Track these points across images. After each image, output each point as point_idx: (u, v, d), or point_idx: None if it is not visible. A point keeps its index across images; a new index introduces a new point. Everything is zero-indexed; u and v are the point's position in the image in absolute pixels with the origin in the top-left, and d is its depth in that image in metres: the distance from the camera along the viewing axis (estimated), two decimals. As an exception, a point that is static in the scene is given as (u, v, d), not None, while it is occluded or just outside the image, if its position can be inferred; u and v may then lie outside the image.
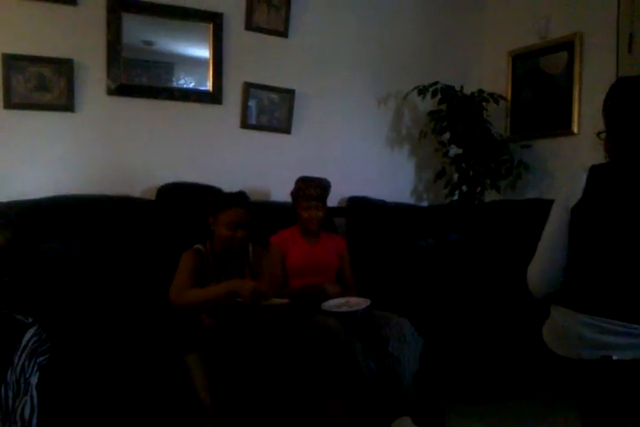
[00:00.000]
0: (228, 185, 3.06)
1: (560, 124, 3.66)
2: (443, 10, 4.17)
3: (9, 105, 2.91)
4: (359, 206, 3.54)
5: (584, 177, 1.68)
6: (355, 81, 3.86)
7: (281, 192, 3.17)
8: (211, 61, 3.37)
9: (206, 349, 2.19)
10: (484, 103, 3.83)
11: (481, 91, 3.85)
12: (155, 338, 2.20)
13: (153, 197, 3.06)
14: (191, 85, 3.36)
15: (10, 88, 2.90)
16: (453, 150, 3.94)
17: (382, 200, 3.64)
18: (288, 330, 2.35)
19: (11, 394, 1.82)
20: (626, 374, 1.52)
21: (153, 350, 2.18)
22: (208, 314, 2.48)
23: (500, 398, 2.88)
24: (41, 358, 1.96)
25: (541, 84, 3.82)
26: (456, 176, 3.90)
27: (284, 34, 3.58)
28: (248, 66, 3.49)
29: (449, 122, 3.80)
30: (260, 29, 3.52)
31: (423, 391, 2.46)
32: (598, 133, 1.74)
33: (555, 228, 1.75)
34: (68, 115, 3.04)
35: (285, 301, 2.40)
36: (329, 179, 3.00)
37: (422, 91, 3.78)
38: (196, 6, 3.31)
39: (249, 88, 3.48)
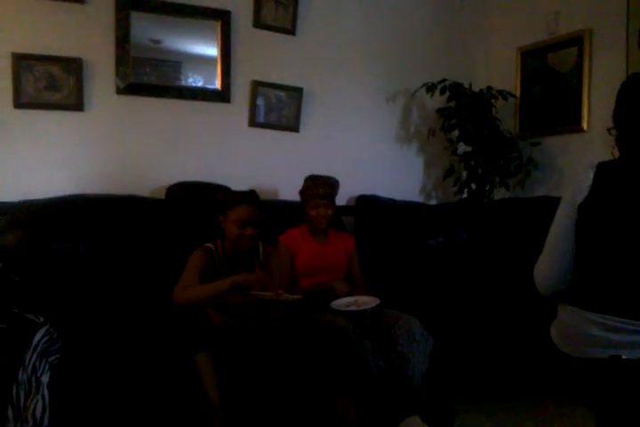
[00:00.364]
0: (237, 184, 3.07)
1: (569, 121, 3.64)
2: (451, 6, 4.15)
3: (19, 104, 2.93)
4: (368, 205, 3.54)
5: (591, 174, 1.67)
6: (363, 79, 3.86)
7: (289, 191, 3.16)
8: (219, 59, 3.38)
9: (216, 347, 2.19)
10: (492, 100, 3.82)
11: (490, 88, 3.83)
12: (165, 337, 2.21)
13: (162, 197, 3.07)
14: (199, 84, 3.36)
15: (19, 87, 2.92)
16: (462, 148, 3.92)
17: (391, 199, 3.63)
18: (297, 329, 2.35)
19: (22, 393, 1.83)
20: (636, 372, 1.51)
21: (163, 349, 2.19)
22: (217, 313, 2.49)
23: (510, 397, 2.88)
24: (52, 358, 1.97)
25: (551, 81, 3.80)
26: (465, 174, 3.90)
27: (291, 31, 3.58)
28: (256, 64, 3.49)
29: (458, 119, 3.79)
30: (267, 27, 3.52)
31: (432, 390, 2.45)
32: (609, 130, 1.73)
33: (561, 225, 1.75)
34: (77, 114, 3.06)
35: (299, 296, 2.40)
36: (337, 177, 3.00)
37: (431, 88, 3.77)
38: (204, 4, 3.31)
39: (257, 86, 3.48)
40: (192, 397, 2.10)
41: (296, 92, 3.59)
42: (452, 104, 3.83)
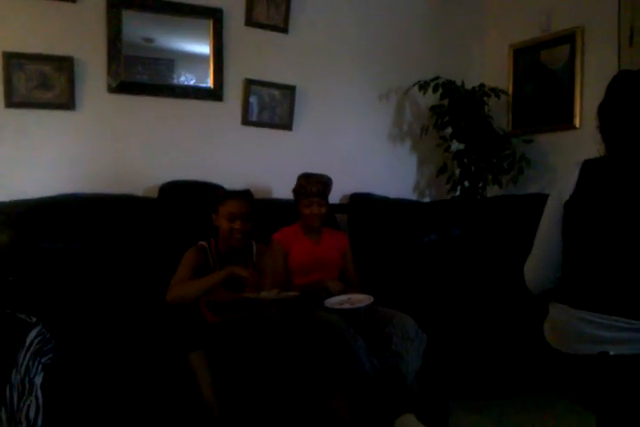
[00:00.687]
0: (230, 182, 3.07)
1: (562, 119, 3.66)
2: (443, 4, 4.16)
3: (10, 104, 2.91)
4: (361, 203, 3.54)
5: (576, 172, 1.68)
6: (355, 77, 3.86)
7: (283, 189, 3.16)
8: (211, 58, 3.36)
9: (210, 346, 2.19)
10: (485, 98, 3.83)
11: (482, 85, 3.85)
12: (158, 336, 2.20)
13: (155, 196, 3.06)
14: (192, 82, 3.35)
15: (10, 87, 2.90)
16: (455, 145, 3.94)
17: (384, 196, 3.64)
18: (291, 327, 2.35)
19: (15, 394, 1.82)
20: (624, 368, 1.52)
21: (157, 348, 2.18)
22: (211, 311, 2.49)
23: (504, 394, 2.88)
24: (45, 358, 1.97)
25: (543, 78, 3.81)
26: (458, 171, 3.91)
27: (284, 30, 3.57)
28: (249, 62, 3.48)
29: (450, 117, 3.80)
30: (260, 25, 3.51)
31: (427, 388, 2.45)
32: (599, 127, 1.74)
33: (549, 224, 1.75)
34: (68, 113, 3.04)
35: (296, 293, 2.40)
36: (331, 175, 2.99)
37: (424, 86, 3.78)
38: (196, 2, 3.30)
39: (250, 84, 3.47)
40: (186, 396, 2.09)
41: (289, 91, 3.59)
42: (445, 102, 3.84)
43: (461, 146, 3.87)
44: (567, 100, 3.62)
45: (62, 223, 2.70)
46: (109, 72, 3.11)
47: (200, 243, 2.56)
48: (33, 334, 1.96)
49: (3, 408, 1.81)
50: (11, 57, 2.89)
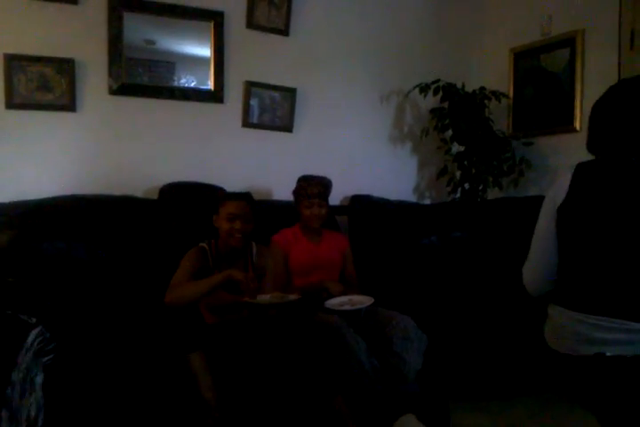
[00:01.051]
0: (230, 184, 3.08)
1: (562, 121, 3.66)
2: (444, 7, 4.17)
3: (11, 105, 2.92)
4: (361, 205, 3.54)
5: (569, 175, 1.69)
6: (356, 79, 3.86)
7: (283, 191, 3.16)
8: (212, 60, 3.37)
9: (210, 347, 2.19)
10: (485, 101, 3.83)
11: (482, 88, 3.85)
12: (158, 337, 2.20)
13: (155, 197, 3.06)
14: (192, 84, 3.36)
15: (12, 88, 2.91)
16: (455, 148, 3.95)
17: (384, 198, 3.64)
18: (292, 328, 2.35)
19: (16, 394, 1.82)
20: (620, 369, 1.52)
21: (157, 349, 2.18)
22: (210, 312, 2.49)
23: (504, 395, 2.88)
24: (45, 359, 1.96)
25: (543, 81, 3.82)
26: (458, 174, 3.91)
27: (284, 32, 3.59)
28: (249, 64, 3.49)
29: (451, 119, 3.81)
30: (260, 28, 3.52)
31: (427, 389, 2.46)
32: None
33: (544, 227, 1.76)
34: (69, 115, 3.05)
35: (297, 296, 2.40)
36: (331, 177, 3.00)
37: (424, 88, 3.78)
38: (197, 5, 3.31)
39: (250, 87, 3.48)
40: (186, 397, 2.09)
41: (289, 93, 3.60)
42: (446, 104, 3.85)
43: (462, 148, 3.87)
44: (567, 102, 3.62)
45: (63, 225, 2.70)
46: (110, 74, 3.12)
47: (200, 244, 2.56)
48: (33, 334, 1.96)
49: (3, 408, 1.80)
50: (12, 59, 2.90)
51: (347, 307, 2.54)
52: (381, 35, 3.92)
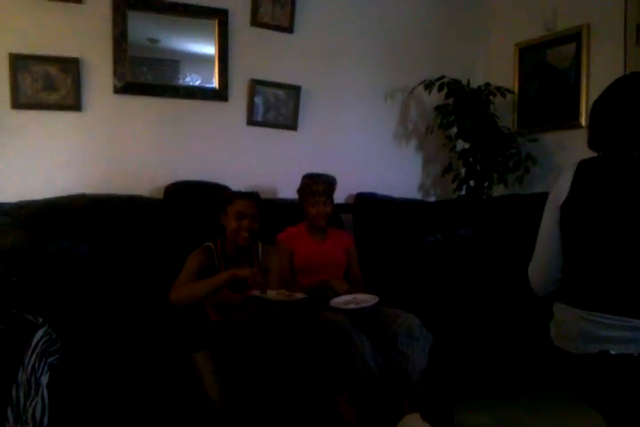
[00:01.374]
0: (235, 182, 3.09)
1: (567, 117, 3.64)
2: (449, 3, 4.15)
3: (16, 105, 2.93)
4: (366, 202, 3.54)
5: (571, 173, 1.68)
6: (360, 76, 3.85)
7: (288, 189, 3.17)
8: (216, 58, 3.37)
9: (215, 346, 2.20)
10: (490, 97, 3.82)
11: (488, 84, 3.84)
12: (163, 336, 2.21)
13: (160, 196, 3.07)
14: (197, 83, 3.36)
15: (17, 88, 2.92)
16: (460, 145, 3.93)
17: (389, 196, 3.63)
18: (297, 327, 2.36)
19: (22, 394, 1.84)
20: (625, 367, 1.52)
21: (162, 348, 2.19)
22: (215, 311, 2.49)
23: (510, 394, 2.87)
24: (51, 359, 1.98)
25: (549, 77, 3.80)
26: (463, 171, 3.90)
27: (289, 30, 3.58)
28: (254, 62, 3.49)
29: (456, 116, 3.79)
30: (265, 25, 3.51)
31: (432, 387, 2.46)
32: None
33: (548, 226, 1.76)
34: (74, 114, 3.06)
35: (302, 296, 2.41)
36: (336, 175, 3.00)
37: (429, 85, 3.77)
38: (201, 3, 3.31)
39: (255, 85, 3.48)
40: (191, 396, 2.10)
41: (294, 91, 3.59)
42: (450, 101, 3.83)
43: (467, 145, 3.86)
44: (573, 98, 3.61)
45: (68, 224, 2.71)
46: (115, 73, 3.13)
47: (206, 244, 2.57)
48: (39, 334, 1.98)
49: (9, 408, 1.82)
50: (17, 58, 2.91)
51: (351, 306, 2.54)
52: (386, 31, 3.91)
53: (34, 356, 1.91)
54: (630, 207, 1.55)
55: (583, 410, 1.80)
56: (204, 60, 3.37)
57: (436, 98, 3.90)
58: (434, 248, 3.39)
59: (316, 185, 2.87)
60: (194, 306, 2.33)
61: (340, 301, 2.58)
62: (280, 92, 3.56)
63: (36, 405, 1.84)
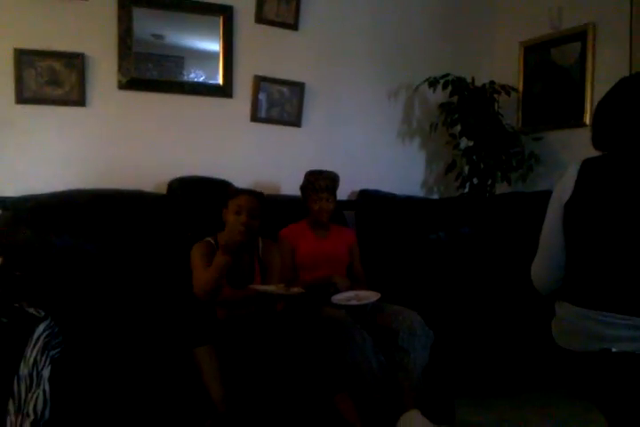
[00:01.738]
0: (239, 179, 3.10)
1: (572, 116, 3.64)
2: (454, 1, 4.14)
3: (21, 100, 2.94)
4: (369, 199, 3.54)
5: (575, 171, 1.68)
6: (365, 73, 3.85)
7: (291, 186, 3.17)
8: (221, 55, 3.37)
9: (217, 342, 2.20)
10: (495, 95, 3.81)
11: (492, 82, 3.83)
12: (165, 331, 2.22)
13: (164, 192, 3.07)
14: (201, 79, 3.36)
15: (22, 83, 2.93)
16: (464, 143, 3.93)
17: (392, 193, 3.64)
18: (298, 323, 2.36)
19: (23, 387, 1.84)
20: (626, 365, 1.52)
21: (164, 343, 2.20)
22: (220, 307, 2.50)
23: (510, 391, 2.88)
24: (53, 352, 1.99)
25: (553, 76, 3.79)
26: (467, 169, 3.89)
27: (294, 26, 3.57)
28: (258, 59, 3.49)
29: (460, 114, 3.79)
30: (270, 22, 3.51)
31: (433, 384, 2.46)
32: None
33: (552, 224, 1.75)
34: (79, 109, 3.06)
35: (301, 290, 2.41)
36: (339, 172, 3.00)
37: (433, 83, 3.77)
38: (207, 0, 3.30)
39: (259, 81, 3.48)
40: (192, 391, 2.11)
41: (298, 87, 3.59)
42: (455, 99, 3.82)
43: (470, 143, 3.86)
44: (578, 97, 3.60)
45: (71, 219, 2.72)
46: (120, 69, 3.13)
47: (206, 239, 2.58)
48: (41, 327, 1.98)
49: (11, 401, 1.83)
50: (22, 53, 2.92)
51: (353, 302, 2.54)
52: (390, 29, 3.90)
53: (36, 349, 1.92)
54: (634, 206, 1.55)
55: (584, 408, 1.81)
56: (208, 56, 3.37)
57: (440, 95, 3.89)
58: (436, 246, 3.39)
59: (319, 181, 2.88)
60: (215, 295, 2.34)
61: (341, 297, 2.59)
62: (284, 89, 3.56)
63: (37, 398, 1.85)
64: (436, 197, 4.13)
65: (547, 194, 1.82)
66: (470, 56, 4.18)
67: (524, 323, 2.82)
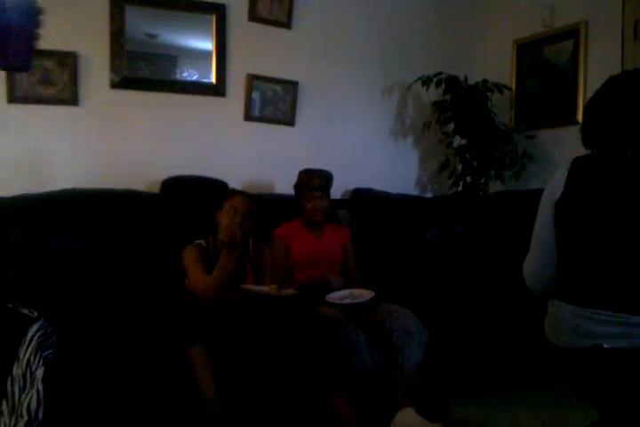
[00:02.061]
0: (232, 178, 3.10)
1: (565, 114, 3.65)
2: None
3: (13, 99, 2.92)
4: (363, 198, 3.54)
5: (566, 170, 1.69)
6: (358, 72, 3.85)
7: (285, 185, 3.16)
8: (214, 53, 3.36)
9: (211, 341, 2.20)
10: (488, 93, 3.82)
11: (485, 81, 3.84)
12: (159, 331, 2.21)
13: (157, 191, 3.07)
14: (194, 78, 3.35)
15: (13, 82, 2.91)
16: (457, 141, 3.94)
17: (386, 192, 3.64)
18: (293, 322, 2.36)
19: (17, 388, 1.84)
20: (618, 361, 1.53)
21: (157, 343, 2.19)
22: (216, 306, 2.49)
23: (505, 388, 2.88)
24: (46, 352, 1.98)
25: (546, 74, 3.80)
26: (460, 167, 3.90)
27: (287, 25, 3.57)
28: (251, 58, 3.48)
29: (453, 112, 3.80)
30: (263, 21, 3.50)
31: (427, 382, 2.46)
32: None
33: (543, 223, 1.76)
34: (71, 108, 3.05)
35: (293, 292, 2.41)
36: (333, 171, 3.00)
37: (426, 81, 3.77)
38: (199, -2, 3.30)
39: (252, 80, 3.47)
40: (186, 390, 2.10)
41: (291, 86, 3.59)
42: (448, 97, 3.83)
43: (464, 141, 3.87)
44: (570, 95, 3.61)
45: (64, 218, 2.71)
46: (112, 67, 3.12)
47: (196, 241, 2.57)
48: (35, 328, 1.97)
49: (4, 401, 1.82)
50: (13, 52, 2.89)
51: (348, 301, 2.55)
52: (384, 27, 3.91)
53: (29, 350, 1.91)
54: (624, 204, 1.56)
55: (577, 405, 1.81)
56: (201, 55, 3.36)
57: (433, 94, 3.90)
58: (430, 244, 3.40)
59: (313, 180, 2.88)
60: (190, 301, 2.33)
61: (336, 296, 2.59)
62: (277, 88, 3.56)
63: (31, 398, 1.84)
64: (429, 195, 4.14)
65: (540, 192, 1.82)
66: (463, 54, 4.20)
67: (518, 321, 2.82)
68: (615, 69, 3.20)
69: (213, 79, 3.38)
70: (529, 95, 3.92)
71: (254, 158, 3.50)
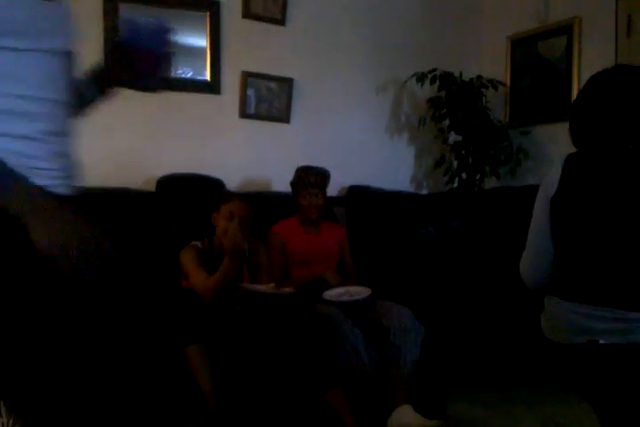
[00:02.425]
0: (228, 175, 3.09)
1: (559, 110, 3.65)
2: (441, -5, 4.15)
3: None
4: (359, 195, 3.54)
5: (560, 167, 1.69)
6: (353, 69, 3.85)
7: (281, 182, 3.17)
8: (208, 51, 3.36)
9: (209, 340, 2.20)
10: (483, 89, 3.82)
11: (480, 77, 3.84)
12: (156, 330, 2.21)
13: (152, 189, 3.06)
14: (189, 75, 3.35)
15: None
16: (453, 137, 3.93)
17: (382, 189, 3.64)
18: (290, 320, 2.36)
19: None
20: (613, 357, 1.53)
21: (155, 341, 2.19)
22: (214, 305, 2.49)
23: (502, 385, 2.89)
24: (44, 352, 1.97)
25: (540, 69, 3.81)
26: (456, 163, 3.90)
27: (281, 22, 3.56)
28: (246, 55, 3.48)
29: (448, 109, 3.79)
30: (257, 17, 3.49)
31: (425, 379, 2.47)
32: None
33: (539, 219, 1.76)
34: (65, 106, 3.03)
35: (292, 290, 2.42)
36: (328, 168, 3.01)
37: (421, 77, 3.76)
38: (193, -5, 3.29)
39: (247, 77, 3.46)
40: (184, 389, 2.10)
41: (286, 83, 3.58)
42: (443, 93, 3.82)
43: (459, 138, 3.87)
44: (564, 91, 3.62)
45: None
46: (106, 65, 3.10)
47: (193, 243, 2.57)
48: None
49: (1, 402, 1.82)
50: (6, 51, 2.88)
51: (344, 298, 2.55)
52: (378, 23, 3.90)
53: (27, 349, 1.90)
54: (619, 200, 1.56)
55: (575, 402, 1.82)
56: (195, 52, 3.35)
57: (428, 90, 3.89)
58: (426, 241, 3.40)
59: (309, 177, 2.88)
60: (188, 299, 2.33)
61: (333, 293, 2.60)
62: (272, 85, 3.55)
63: (28, 398, 1.83)
64: (425, 192, 4.14)
65: (535, 188, 1.82)
66: (458, 51, 4.18)
67: (514, 317, 2.83)
68: (608, 65, 3.13)
69: (208, 76, 3.37)
70: (523, 91, 3.93)
71: (249, 156, 3.49)
